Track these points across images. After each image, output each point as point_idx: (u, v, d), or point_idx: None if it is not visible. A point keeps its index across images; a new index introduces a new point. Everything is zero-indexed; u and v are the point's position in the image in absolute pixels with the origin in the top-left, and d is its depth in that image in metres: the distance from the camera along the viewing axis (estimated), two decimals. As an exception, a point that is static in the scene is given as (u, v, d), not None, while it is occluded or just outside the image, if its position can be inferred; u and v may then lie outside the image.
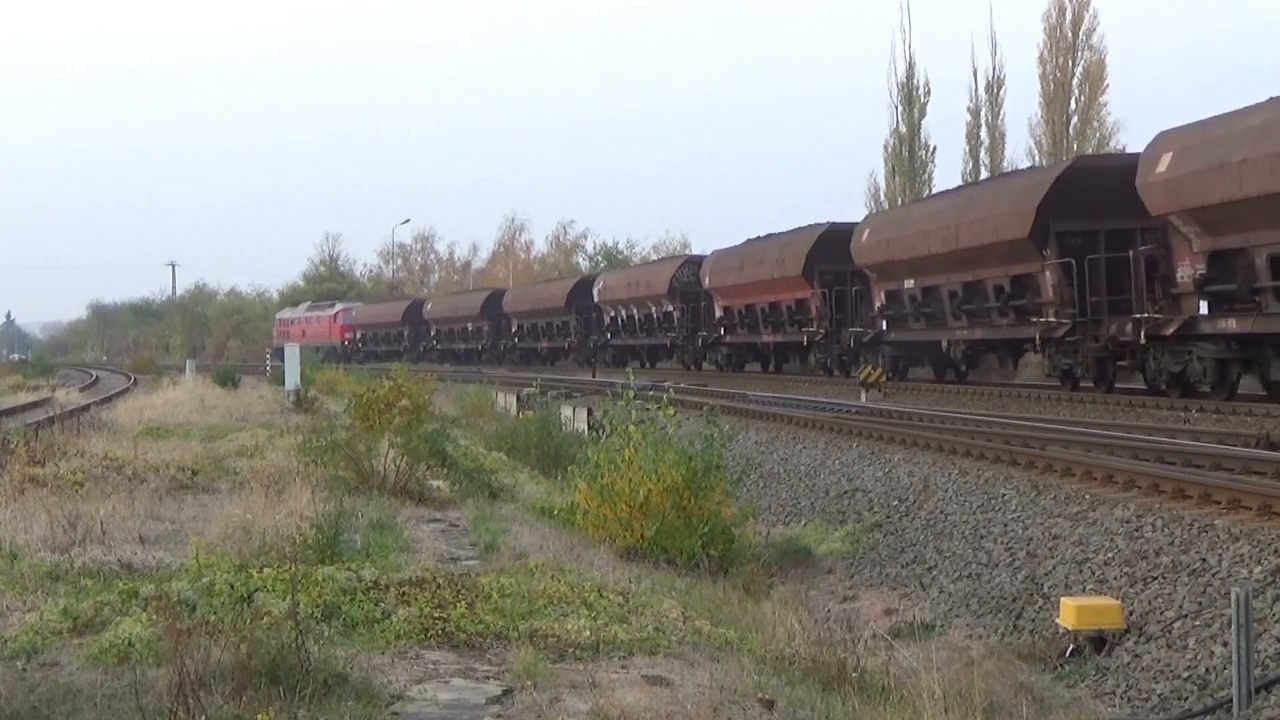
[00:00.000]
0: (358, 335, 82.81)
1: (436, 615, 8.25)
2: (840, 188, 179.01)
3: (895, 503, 17.33)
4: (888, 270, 34.76)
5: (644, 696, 6.94)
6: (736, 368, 46.77)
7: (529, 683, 7.01)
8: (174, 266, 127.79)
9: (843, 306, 38.11)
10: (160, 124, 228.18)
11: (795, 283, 39.92)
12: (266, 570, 8.80)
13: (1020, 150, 58.87)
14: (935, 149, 60.03)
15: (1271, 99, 21.04)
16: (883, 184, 60.98)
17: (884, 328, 35.54)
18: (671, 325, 50.71)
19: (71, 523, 11.35)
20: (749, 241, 46.28)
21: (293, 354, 36.74)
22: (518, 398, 33.78)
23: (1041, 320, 27.22)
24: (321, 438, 17.70)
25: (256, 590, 8.33)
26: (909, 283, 33.78)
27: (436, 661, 7.62)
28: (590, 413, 26.53)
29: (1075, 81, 54.52)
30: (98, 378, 61.20)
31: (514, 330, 68.27)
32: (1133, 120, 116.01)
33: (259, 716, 5.79)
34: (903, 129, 59.92)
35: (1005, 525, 14.59)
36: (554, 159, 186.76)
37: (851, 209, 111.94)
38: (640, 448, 13.58)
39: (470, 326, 74.02)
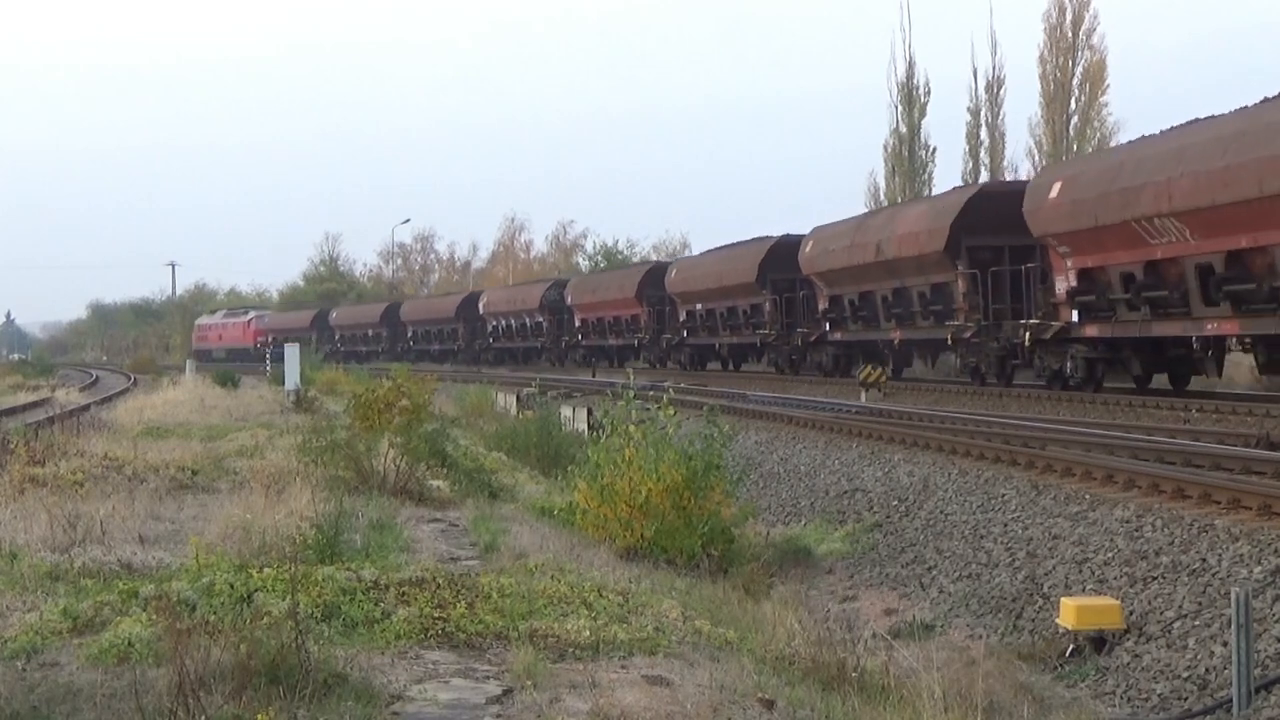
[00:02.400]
0: (269, 339, 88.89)
1: (436, 615, 8.25)
2: (840, 188, 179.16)
3: (895, 503, 17.33)
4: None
5: (644, 696, 6.94)
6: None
7: (529, 683, 7.01)
8: (174, 266, 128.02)
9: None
10: (160, 124, 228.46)
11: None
12: (266, 570, 8.80)
13: (1020, 150, 59.08)
14: (935, 149, 60.10)
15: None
16: (883, 184, 61.04)
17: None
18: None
19: (71, 523, 11.35)
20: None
21: (292, 354, 36.76)
22: (518, 397, 33.78)
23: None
24: (321, 438, 17.70)
25: (256, 590, 8.33)
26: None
27: (436, 661, 7.62)
28: (590, 413, 26.53)
29: (1075, 81, 54.53)
30: (97, 378, 61.22)
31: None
32: (1133, 120, 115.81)
33: (259, 716, 5.79)
34: (903, 129, 59.92)
35: (1005, 525, 14.60)
36: (554, 159, 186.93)
37: (852, 209, 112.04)
38: (640, 448, 13.58)
39: (370, 333, 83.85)
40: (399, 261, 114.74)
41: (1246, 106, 21.90)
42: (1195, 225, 21.89)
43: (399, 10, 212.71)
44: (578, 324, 60.40)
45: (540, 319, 63.66)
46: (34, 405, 33.66)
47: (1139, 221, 23.27)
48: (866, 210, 56.10)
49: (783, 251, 42.06)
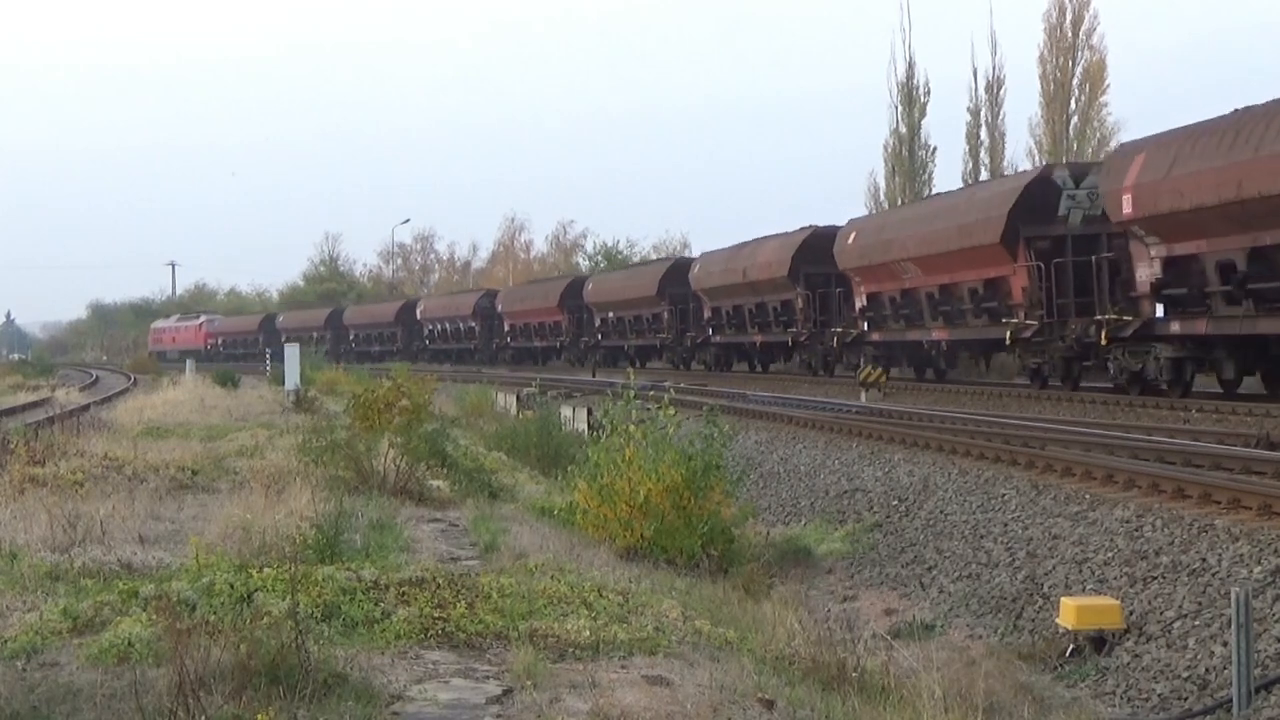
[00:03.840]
0: (219, 341, 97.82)
1: (436, 615, 8.25)
2: (840, 188, 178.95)
3: (895, 502, 17.33)
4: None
5: (644, 696, 6.94)
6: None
7: (529, 683, 7.01)
8: (174, 266, 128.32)
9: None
10: (160, 124, 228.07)
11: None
12: (266, 570, 8.79)
13: (1020, 150, 58.93)
14: (935, 149, 59.96)
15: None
16: (883, 184, 60.95)
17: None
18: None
19: (71, 523, 11.34)
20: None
21: (292, 354, 36.76)
22: (517, 397, 33.77)
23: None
24: (321, 438, 17.70)
25: (256, 590, 8.33)
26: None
27: (436, 661, 7.62)
28: (590, 412, 26.52)
29: (1075, 81, 54.47)
30: (97, 377, 61.22)
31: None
32: (1133, 120, 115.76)
33: (259, 716, 5.79)
34: (903, 129, 59.86)
35: (1005, 525, 14.60)
36: (554, 159, 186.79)
37: (852, 209, 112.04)
38: (640, 447, 13.58)
39: (316, 334, 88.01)
40: (399, 261, 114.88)
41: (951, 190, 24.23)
42: (924, 267, 31.76)
43: (399, 10, 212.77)
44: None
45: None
46: (34, 405, 33.65)
47: (894, 263, 33.32)
48: (872, 209, 56.19)
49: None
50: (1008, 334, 28.34)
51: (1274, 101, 21.22)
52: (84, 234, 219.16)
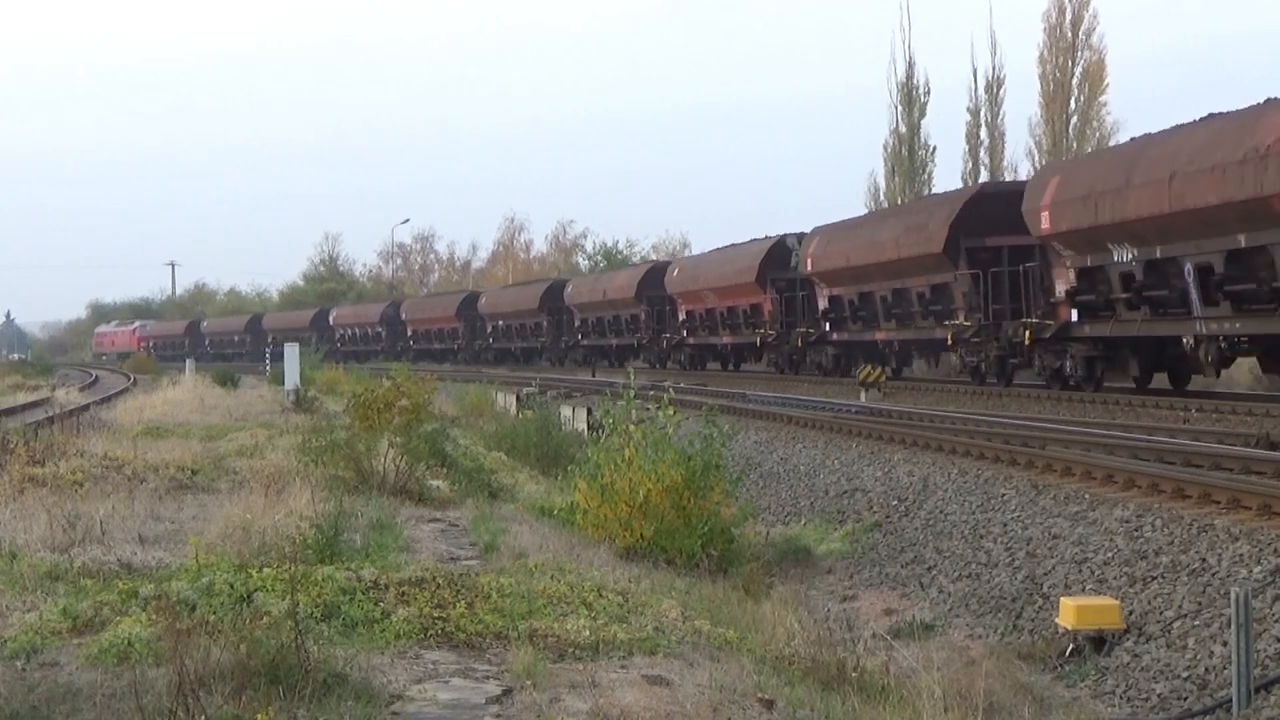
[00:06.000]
0: (150, 344, 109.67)
1: (436, 615, 8.25)
2: (840, 188, 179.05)
3: (895, 502, 17.33)
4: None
5: (644, 696, 6.94)
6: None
7: (529, 683, 7.01)
8: (174, 266, 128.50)
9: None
10: (160, 124, 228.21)
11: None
12: (266, 570, 8.79)
13: (1020, 150, 58.99)
14: (935, 149, 59.97)
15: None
16: (883, 184, 60.96)
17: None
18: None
19: (71, 523, 11.35)
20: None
21: (292, 354, 36.76)
22: (517, 397, 33.75)
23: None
24: (321, 438, 17.69)
25: (256, 590, 8.33)
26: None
27: (436, 661, 7.62)
28: (590, 412, 26.51)
29: (1075, 81, 54.46)
30: (97, 377, 61.23)
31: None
32: (1133, 120, 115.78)
33: (259, 716, 5.79)
34: (902, 129, 59.87)
35: (1005, 525, 14.59)
36: (554, 159, 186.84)
37: (852, 209, 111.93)
38: (640, 447, 13.58)
39: (237, 337, 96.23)
40: (399, 261, 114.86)
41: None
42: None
43: (399, 10, 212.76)
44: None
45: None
46: (34, 405, 33.64)
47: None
48: (872, 209, 56.35)
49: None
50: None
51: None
52: (84, 234, 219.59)
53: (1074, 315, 26.37)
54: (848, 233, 38.50)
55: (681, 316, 50.32)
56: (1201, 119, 23.02)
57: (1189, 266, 22.50)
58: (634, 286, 53.82)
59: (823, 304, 39.47)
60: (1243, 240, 20.82)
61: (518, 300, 68.07)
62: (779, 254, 42.63)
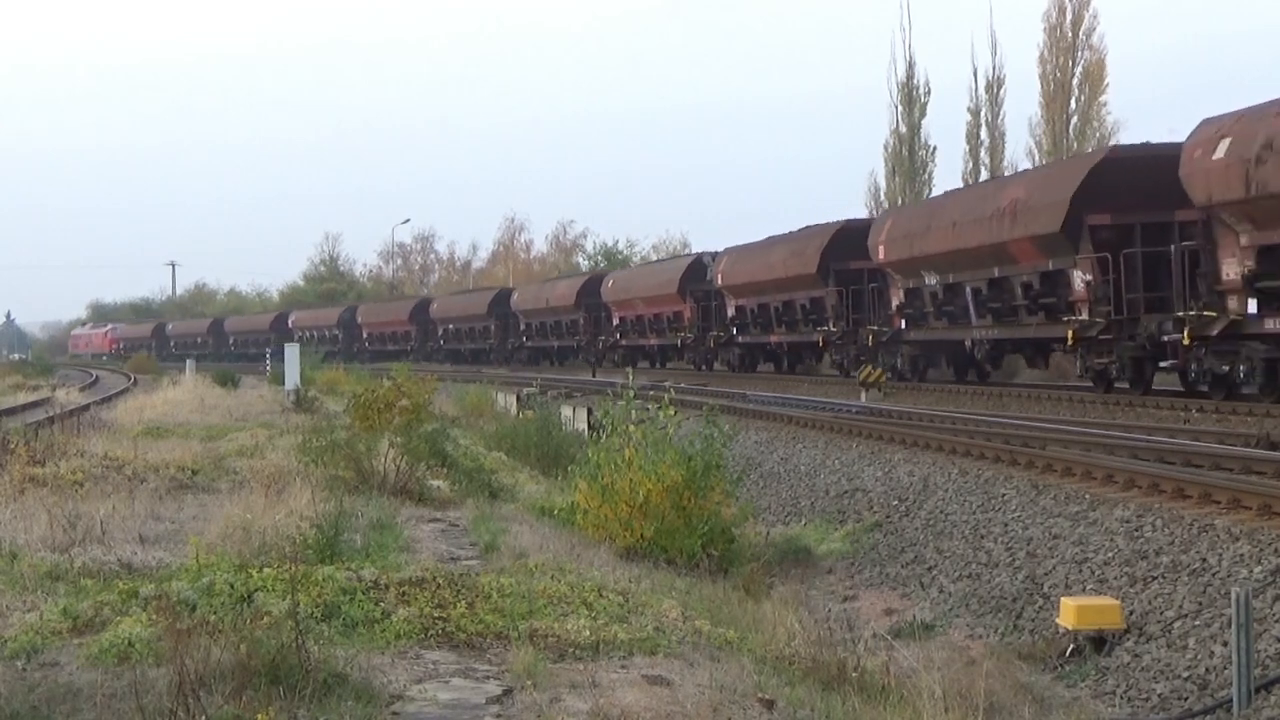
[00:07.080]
0: (120, 345, 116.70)
1: (436, 615, 8.25)
2: (841, 188, 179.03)
3: (895, 502, 17.33)
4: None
5: (644, 696, 6.94)
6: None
7: (529, 683, 7.01)
8: (174, 266, 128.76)
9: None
10: (160, 124, 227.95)
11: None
12: (266, 570, 8.79)
13: (1020, 150, 58.91)
14: (935, 149, 60.14)
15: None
16: (883, 184, 61.08)
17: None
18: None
19: (71, 523, 11.35)
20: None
21: (292, 354, 36.76)
22: (517, 397, 33.76)
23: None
24: (321, 438, 17.69)
25: (256, 590, 8.33)
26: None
27: (436, 661, 7.62)
28: (590, 412, 26.51)
29: (1075, 81, 54.52)
30: (97, 377, 61.23)
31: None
32: (1133, 120, 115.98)
33: (259, 716, 5.79)
34: (903, 129, 59.96)
35: (1005, 525, 14.59)
36: (554, 159, 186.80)
37: (852, 209, 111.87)
38: (640, 447, 13.58)
39: (198, 339, 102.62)
40: (399, 261, 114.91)
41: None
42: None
43: (399, 9, 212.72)
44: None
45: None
46: (34, 405, 33.65)
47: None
48: (872, 209, 56.34)
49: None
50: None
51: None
52: (84, 234, 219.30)
53: (903, 324, 34.75)
54: (750, 254, 44.57)
55: (615, 321, 56.62)
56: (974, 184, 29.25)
57: (968, 289, 30.96)
58: (574, 295, 59.75)
59: (731, 312, 45.79)
60: (996, 271, 29.70)
61: (551, 297, 65.39)
62: (697, 269, 49.52)
